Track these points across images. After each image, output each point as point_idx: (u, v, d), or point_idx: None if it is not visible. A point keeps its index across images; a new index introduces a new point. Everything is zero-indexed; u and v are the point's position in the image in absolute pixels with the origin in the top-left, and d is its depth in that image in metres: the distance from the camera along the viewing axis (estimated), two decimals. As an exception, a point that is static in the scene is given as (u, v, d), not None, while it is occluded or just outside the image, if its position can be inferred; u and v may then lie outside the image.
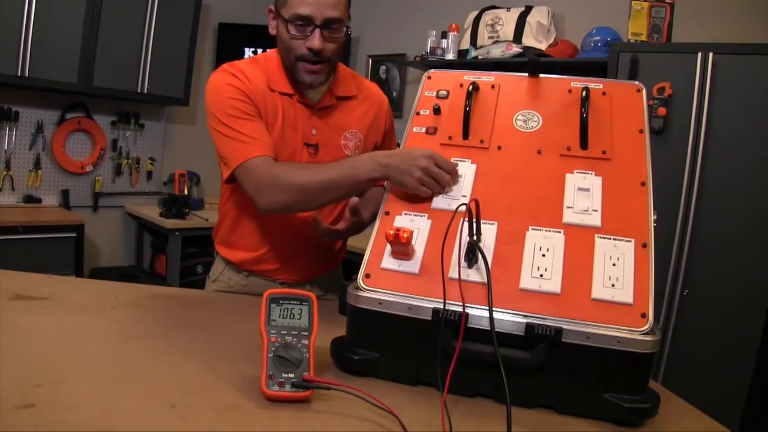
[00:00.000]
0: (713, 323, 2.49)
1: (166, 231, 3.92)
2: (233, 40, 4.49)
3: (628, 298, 0.96)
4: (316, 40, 1.31)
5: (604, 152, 1.15)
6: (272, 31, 1.41)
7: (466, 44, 3.64)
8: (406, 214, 1.13)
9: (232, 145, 1.31)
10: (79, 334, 1.13)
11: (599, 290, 0.97)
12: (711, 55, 2.45)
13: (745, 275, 2.42)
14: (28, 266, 3.16)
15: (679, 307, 2.55)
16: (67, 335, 1.12)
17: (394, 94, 4.35)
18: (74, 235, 3.58)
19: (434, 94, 1.29)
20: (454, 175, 1.14)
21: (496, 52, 3.41)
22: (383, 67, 4.43)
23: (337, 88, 1.47)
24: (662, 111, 2.49)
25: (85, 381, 0.92)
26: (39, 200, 3.88)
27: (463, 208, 0.99)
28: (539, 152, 1.17)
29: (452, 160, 1.18)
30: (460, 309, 0.96)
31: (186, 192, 4.34)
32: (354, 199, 1.29)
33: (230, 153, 1.32)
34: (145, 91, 3.85)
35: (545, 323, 0.94)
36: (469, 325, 0.96)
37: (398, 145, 1.32)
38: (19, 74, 3.32)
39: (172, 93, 4.03)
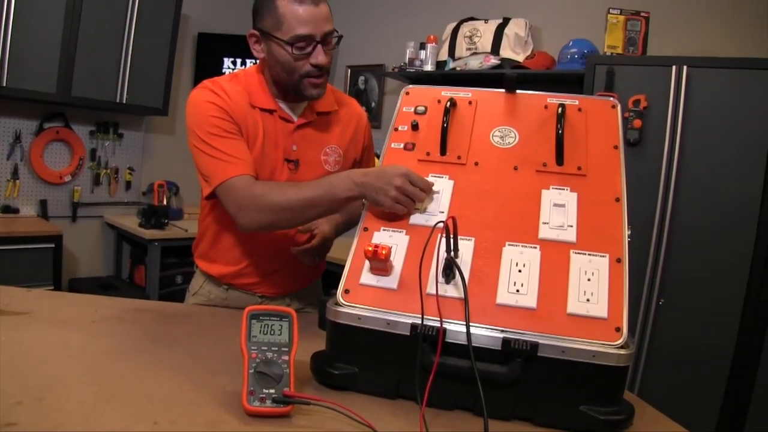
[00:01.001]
0: (688, 332, 2.54)
1: (145, 241, 3.88)
2: (212, 50, 4.48)
3: (603, 312, 0.98)
4: (321, 56, 1.33)
5: (579, 168, 1.17)
6: (259, 55, 1.40)
7: (444, 55, 3.67)
8: (384, 230, 1.14)
9: (213, 163, 1.32)
10: (61, 349, 1.13)
11: (574, 305, 1.00)
12: (685, 68, 2.50)
13: (720, 285, 2.47)
14: (6, 278, 3.17)
15: (654, 316, 2.59)
16: (49, 351, 1.11)
17: (373, 104, 4.37)
18: (52, 245, 3.53)
19: (412, 109, 1.31)
20: (428, 192, 1.16)
21: (474, 63, 3.45)
22: (362, 78, 4.45)
23: (317, 104, 1.47)
24: (638, 123, 2.54)
25: (67, 398, 0.92)
26: (17, 210, 3.82)
27: (441, 224, 1.01)
28: (516, 168, 1.19)
29: (429, 176, 1.20)
30: (437, 324, 0.98)
31: (165, 202, 4.30)
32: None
33: (211, 171, 1.33)
34: (124, 101, 3.82)
35: (522, 338, 0.96)
36: (446, 340, 0.97)
37: (377, 156, 1.33)
38: (-3, 84, 3.27)
39: (151, 103, 4.00)
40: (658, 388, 2.56)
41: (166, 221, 3.96)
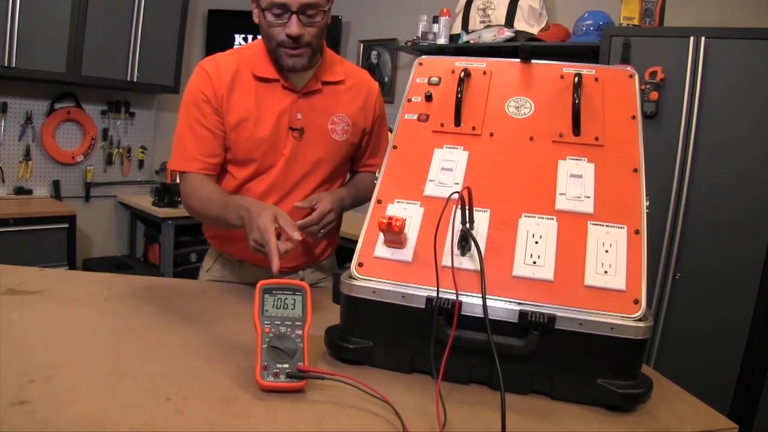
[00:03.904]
0: (705, 307, 2.51)
1: (159, 220, 3.90)
2: (223, 27, 4.45)
3: (621, 284, 0.96)
4: (293, 27, 1.32)
5: (596, 138, 1.15)
6: (255, 20, 1.41)
7: (457, 29, 3.61)
8: (398, 202, 1.12)
9: (177, 149, 1.45)
10: (73, 328, 1.13)
11: (592, 277, 0.98)
12: (703, 39, 2.44)
13: (737, 259, 2.43)
14: (20, 259, 3.20)
15: (671, 291, 2.56)
16: (61, 329, 1.11)
17: (386, 79, 4.32)
18: (66, 225, 3.55)
19: (426, 80, 1.28)
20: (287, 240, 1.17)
21: (488, 36, 3.39)
22: (374, 53, 4.40)
23: (323, 73, 1.47)
24: (654, 95, 2.49)
25: (79, 376, 0.92)
26: (30, 192, 3.84)
27: (456, 195, 0.99)
28: (531, 139, 1.17)
29: (444, 147, 1.18)
30: (453, 297, 0.96)
31: (178, 180, 4.31)
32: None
33: (174, 155, 1.46)
34: (135, 80, 3.81)
35: (538, 310, 0.94)
36: (462, 313, 0.96)
37: (390, 131, 1.31)
38: (6, 65, 3.26)
39: (162, 81, 3.99)
40: (672, 363, 2.54)
41: (179, 199, 3.97)
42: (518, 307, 0.95)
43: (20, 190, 3.80)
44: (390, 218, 0.99)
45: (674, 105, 2.50)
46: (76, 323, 1.15)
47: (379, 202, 1.14)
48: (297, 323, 0.96)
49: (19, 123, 3.76)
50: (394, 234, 1.02)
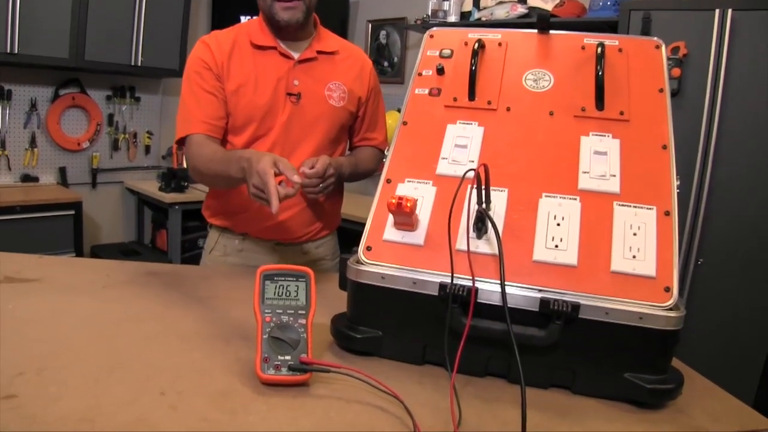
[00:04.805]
0: (728, 295, 2.42)
1: (166, 205, 3.87)
2: (228, 8, 4.36)
3: (651, 270, 0.89)
4: None
5: (621, 113, 1.07)
6: None
7: (468, 6, 3.52)
8: (409, 181, 1.06)
9: (181, 117, 1.46)
10: (69, 317, 1.09)
11: (619, 262, 0.91)
12: (730, 11, 2.33)
13: (762, 243, 2.34)
14: (27, 246, 3.18)
15: (693, 277, 2.48)
16: (56, 319, 1.07)
17: (395, 59, 4.23)
18: (72, 212, 3.52)
19: (437, 53, 1.21)
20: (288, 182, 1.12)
21: (500, 13, 3.29)
22: (383, 32, 4.31)
23: (318, 44, 1.53)
24: (676, 72, 2.39)
25: (71, 368, 0.87)
26: (36, 179, 3.81)
27: (471, 173, 0.91)
28: (551, 113, 1.09)
29: (457, 122, 1.11)
30: (469, 283, 0.90)
31: (185, 165, 4.26)
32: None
33: (179, 123, 1.46)
34: (139, 64, 3.75)
35: (561, 298, 0.87)
36: (478, 301, 0.89)
37: (398, 111, 1.25)
38: (8, 51, 3.21)
39: (168, 65, 3.92)
40: (691, 353, 2.45)
41: (186, 184, 3.94)
42: (539, 295, 0.89)
43: (26, 178, 3.77)
44: (400, 198, 0.92)
45: (698, 82, 2.40)
46: (72, 312, 1.11)
47: (388, 181, 1.07)
48: (300, 312, 0.89)
49: (23, 110, 3.72)
50: (404, 215, 0.95)
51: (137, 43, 3.73)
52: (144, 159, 4.33)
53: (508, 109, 1.11)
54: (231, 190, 1.52)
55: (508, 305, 0.86)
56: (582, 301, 0.87)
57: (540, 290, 0.90)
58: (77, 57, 3.48)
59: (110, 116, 4.09)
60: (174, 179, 3.90)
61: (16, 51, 3.23)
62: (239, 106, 1.45)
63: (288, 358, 0.85)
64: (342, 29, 4.31)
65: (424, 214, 1.01)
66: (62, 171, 3.92)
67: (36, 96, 3.74)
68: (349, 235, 1.66)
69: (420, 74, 1.20)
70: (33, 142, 3.77)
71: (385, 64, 4.28)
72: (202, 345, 1.00)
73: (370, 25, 4.39)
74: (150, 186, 4.07)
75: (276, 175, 1.10)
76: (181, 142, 1.46)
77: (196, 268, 1.57)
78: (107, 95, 4.05)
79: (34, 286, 1.24)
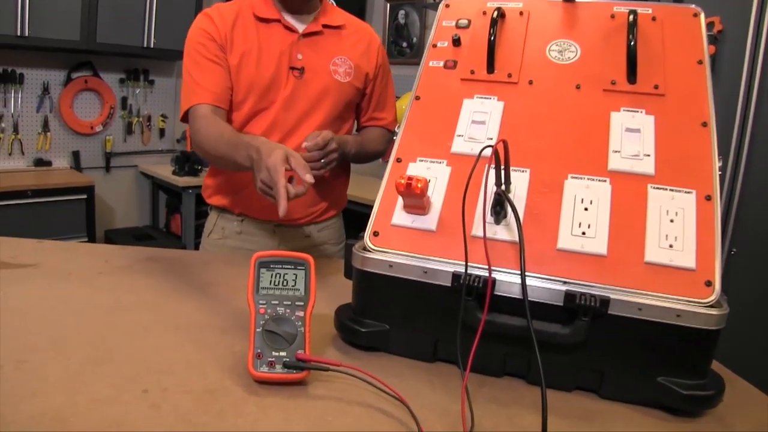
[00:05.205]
0: (762, 285, 2.29)
1: (180, 189, 3.83)
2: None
3: (690, 261, 0.80)
4: None
5: (656, 87, 0.97)
6: None
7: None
8: (421, 160, 0.97)
9: (185, 88, 1.40)
10: (59, 305, 1.03)
11: (654, 252, 0.81)
12: (770, -16, 2.19)
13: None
14: (39, 231, 3.15)
15: (725, 267, 2.35)
16: (46, 308, 1.02)
17: (414, 39, 4.12)
18: (84, 197, 3.50)
19: (453, 23, 1.11)
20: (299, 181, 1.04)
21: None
22: (402, 12, 4.20)
23: (323, 17, 1.48)
24: (711, 49, 2.25)
25: (53, 361, 0.82)
26: (49, 163, 3.81)
27: (489, 151, 0.81)
28: (578, 87, 1.00)
29: (475, 97, 1.01)
30: (485, 273, 0.81)
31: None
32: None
33: (183, 96, 1.40)
34: (152, 46, 3.71)
35: (588, 291, 0.78)
36: (496, 293, 0.81)
37: (413, 89, 1.16)
38: (18, 34, 3.18)
39: (181, 47, 3.79)
40: (731, 352, 2.34)
41: (199, 168, 3.89)
42: (564, 287, 0.79)
43: (40, 162, 3.76)
44: (410, 178, 0.83)
45: (734, 60, 2.26)
46: (64, 300, 1.06)
47: (398, 161, 0.98)
48: (298, 303, 0.81)
49: (36, 94, 3.70)
50: (414, 197, 0.86)
51: (149, 25, 3.69)
52: (158, 143, 4.29)
53: (531, 82, 1.02)
54: None
55: (529, 299, 0.77)
56: (612, 295, 0.78)
57: (565, 282, 0.80)
58: (88, 39, 3.45)
59: (124, 99, 4.05)
60: (188, 163, 3.86)
61: (26, 34, 3.21)
62: (240, 79, 1.40)
63: (283, 354, 0.77)
64: (360, 9, 4.21)
65: (437, 196, 0.92)
66: (75, 155, 3.90)
67: (48, 80, 3.72)
68: (358, 218, 1.58)
69: (434, 46, 1.11)
70: (46, 126, 3.75)
71: (404, 44, 4.18)
72: (195, 336, 0.93)
73: (388, 5, 4.28)
74: (164, 170, 4.03)
75: (286, 170, 1.03)
76: (187, 117, 1.39)
77: (198, 254, 1.51)
78: (120, 78, 4.01)
79: (28, 272, 1.20)
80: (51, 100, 3.74)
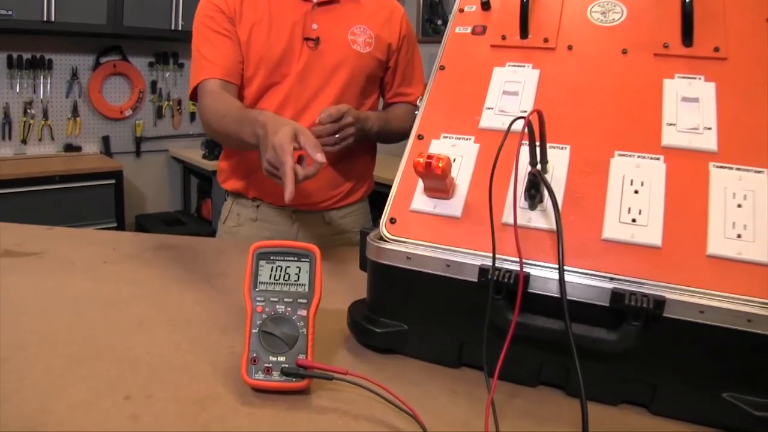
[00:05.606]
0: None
1: (210, 173, 3.80)
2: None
3: (762, 255, 0.67)
4: None
5: (716, 49, 0.84)
6: None
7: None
8: (445, 137, 0.86)
9: (194, 64, 1.34)
10: (55, 298, 0.97)
11: (718, 243, 0.69)
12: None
13: None
14: (67, 217, 3.13)
15: None
16: (41, 300, 0.96)
17: (449, 16, 4.01)
18: (113, 182, 3.49)
19: (482, -15, 1.00)
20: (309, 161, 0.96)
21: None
22: (436, -11, 4.09)
23: None
24: None
25: (35, 360, 0.76)
26: (79, 148, 3.81)
27: (521, 124, 0.69)
28: (624, 52, 0.87)
29: (507, 65, 0.90)
30: (516, 267, 0.70)
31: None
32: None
33: (192, 72, 1.35)
34: (180, 28, 3.66)
35: (640, 290, 0.67)
36: (529, 291, 0.70)
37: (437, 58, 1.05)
38: (45, 19, 3.16)
39: (210, 29, 3.80)
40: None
41: (228, 148, 3.83)
42: (610, 285, 0.68)
43: (69, 147, 3.77)
44: (429, 156, 0.72)
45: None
46: (61, 292, 1.00)
47: (420, 137, 0.87)
48: (300, 301, 0.71)
49: (65, 79, 3.69)
50: (435, 178, 0.75)
51: (177, 7, 3.63)
52: (189, 126, 4.26)
53: (570, 47, 0.90)
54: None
55: (568, 297, 0.66)
56: (668, 295, 0.66)
57: (611, 279, 0.69)
58: (115, 23, 3.42)
59: (153, 83, 4.02)
60: (217, 147, 3.81)
61: (53, 19, 3.19)
62: (250, 52, 1.33)
63: (282, 359, 0.68)
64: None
65: (462, 177, 0.81)
66: (105, 140, 3.90)
67: (77, 65, 3.70)
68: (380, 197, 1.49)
69: (461, 11, 1.00)
70: (75, 112, 3.75)
71: (439, 22, 4.07)
72: (193, 334, 0.85)
73: (423, -18, 4.17)
74: (195, 154, 4.00)
75: (295, 149, 0.94)
76: (196, 95, 1.33)
77: (212, 241, 1.44)
78: (150, 62, 3.98)
79: (31, 261, 1.15)
80: (80, 85, 3.73)
